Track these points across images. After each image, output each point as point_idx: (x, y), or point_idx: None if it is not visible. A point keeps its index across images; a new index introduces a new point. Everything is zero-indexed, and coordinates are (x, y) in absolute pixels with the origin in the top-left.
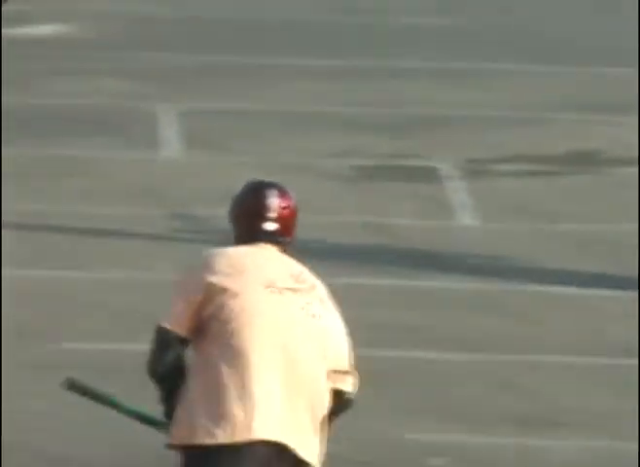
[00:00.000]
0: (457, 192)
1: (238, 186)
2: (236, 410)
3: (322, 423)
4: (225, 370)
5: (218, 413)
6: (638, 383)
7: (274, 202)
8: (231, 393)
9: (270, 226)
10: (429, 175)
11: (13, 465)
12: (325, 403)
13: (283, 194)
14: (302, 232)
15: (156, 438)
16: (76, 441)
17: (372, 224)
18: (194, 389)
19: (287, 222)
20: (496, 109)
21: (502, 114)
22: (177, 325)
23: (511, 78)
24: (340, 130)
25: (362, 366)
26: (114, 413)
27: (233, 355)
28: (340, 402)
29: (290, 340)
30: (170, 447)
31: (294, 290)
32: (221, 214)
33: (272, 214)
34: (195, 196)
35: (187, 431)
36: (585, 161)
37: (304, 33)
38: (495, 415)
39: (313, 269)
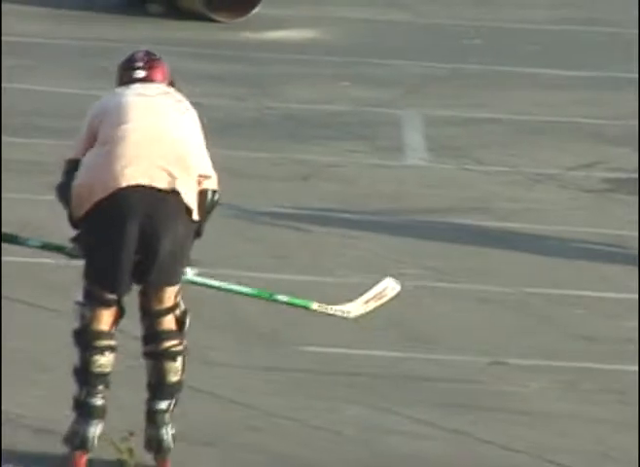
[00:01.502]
0: None
1: (487, 196)
2: (114, 168)
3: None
4: (104, 150)
5: (99, 177)
6: (638, 383)
7: (139, 55)
8: (110, 163)
9: (140, 73)
10: None
11: None
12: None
13: (149, 52)
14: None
15: None
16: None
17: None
18: (80, 174)
19: (154, 69)
20: None
21: None
22: (80, 154)
23: None
24: (589, 142)
25: None
26: None
27: (111, 140)
28: (207, 199)
29: (162, 120)
30: (72, 240)
31: (166, 94)
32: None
33: (139, 63)
34: (439, 204)
35: (78, 202)
36: None
37: (548, 43)
38: None
39: None
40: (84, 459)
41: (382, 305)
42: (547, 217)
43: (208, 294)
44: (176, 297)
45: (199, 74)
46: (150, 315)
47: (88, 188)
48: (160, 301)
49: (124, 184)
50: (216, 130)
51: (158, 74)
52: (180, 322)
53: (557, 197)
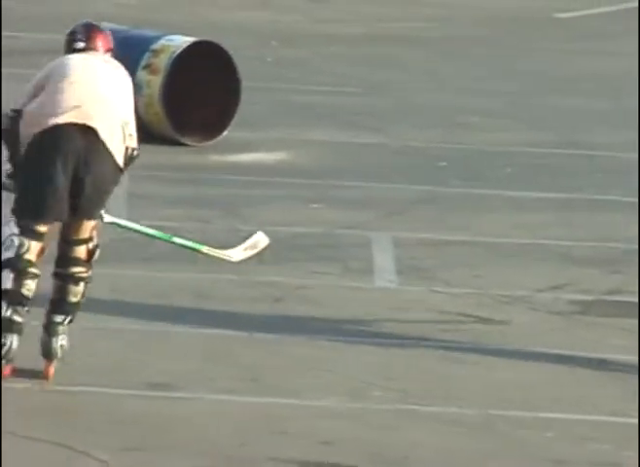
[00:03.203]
0: None
1: (456, 318)
2: (52, 109)
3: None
4: (45, 97)
5: (38, 117)
6: (638, 384)
7: (79, 27)
8: (47, 106)
9: (79, 44)
10: None
11: None
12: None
13: (89, 23)
14: None
15: None
16: None
17: (584, 358)
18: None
19: (94, 40)
20: None
21: None
22: (25, 105)
23: None
24: (558, 264)
25: None
26: None
27: (52, 90)
28: (130, 155)
29: (98, 78)
30: (9, 176)
31: (105, 61)
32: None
33: (79, 35)
34: (408, 326)
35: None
36: None
37: (522, 166)
38: None
39: None
40: (9, 369)
41: (257, 253)
42: (516, 339)
43: None
44: (92, 231)
45: (170, 197)
46: (66, 242)
47: (29, 126)
48: (77, 231)
49: (59, 121)
50: (187, 253)
51: (97, 44)
52: (90, 253)
53: (526, 319)
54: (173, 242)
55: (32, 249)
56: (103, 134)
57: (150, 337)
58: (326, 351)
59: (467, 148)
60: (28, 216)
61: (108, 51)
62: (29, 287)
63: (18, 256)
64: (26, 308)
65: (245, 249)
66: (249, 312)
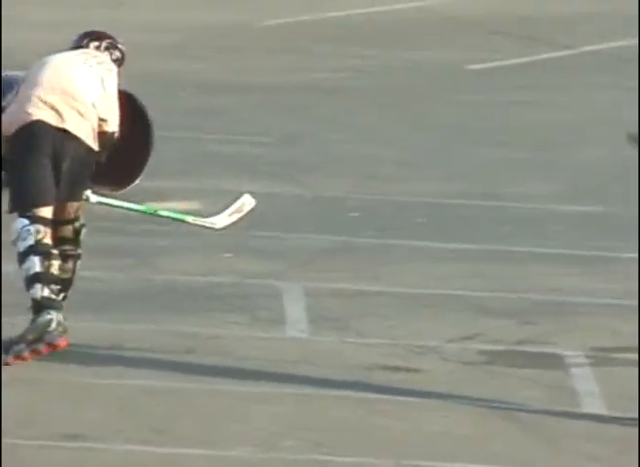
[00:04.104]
0: (584, 379)
1: (367, 368)
2: (20, 114)
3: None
4: (20, 94)
5: (14, 116)
6: (638, 383)
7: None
8: (25, 104)
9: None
10: (555, 362)
11: None
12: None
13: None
14: None
15: None
16: None
17: (494, 408)
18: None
19: (88, 38)
20: (624, 297)
21: (634, 303)
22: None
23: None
24: (469, 314)
25: None
26: None
27: (29, 85)
28: (106, 138)
29: (71, 72)
30: None
31: (94, 56)
32: None
33: (81, 34)
34: (319, 376)
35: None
36: None
37: (437, 216)
38: None
39: None
40: (65, 341)
41: (242, 217)
42: (427, 389)
43: None
44: (76, 211)
45: (83, 246)
46: (54, 223)
47: (7, 125)
48: (63, 213)
49: (32, 118)
50: (99, 303)
51: (92, 43)
52: (77, 232)
53: (437, 368)
54: (159, 215)
55: (47, 233)
56: (69, 126)
57: (63, 387)
58: (237, 401)
59: (381, 198)
60: (30, 204)
61: (107, 49)
62: (56, 267)
63: (38, 241)
64: (58, 286)
65: (230, 214)
66: (162, 362)
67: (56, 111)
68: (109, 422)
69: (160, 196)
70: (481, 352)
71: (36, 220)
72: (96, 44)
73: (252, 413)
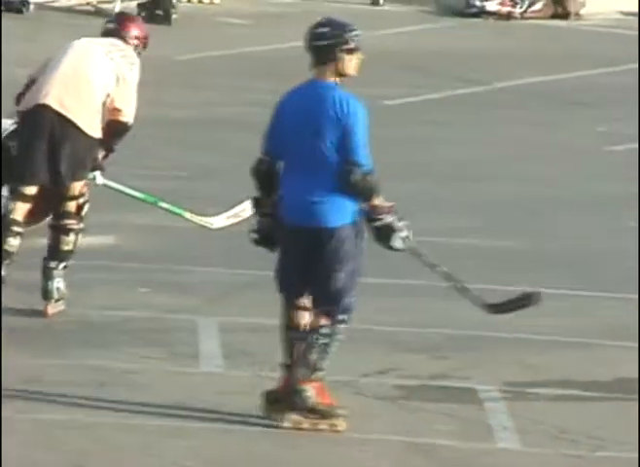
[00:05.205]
0: (498, 414)
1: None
2: (36, 93)
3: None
4: (39, 77)
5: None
6: (638, 385)
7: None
8: (39, 86)
9: (108, 25)
10: (469, 397)
11: None
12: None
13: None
14: None
15: None
16: None
17: (409, 443)
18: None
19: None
20: (533, 332)
21: (546, 338)
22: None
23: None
24: (384, 349)
25: None
26: None
27: (50, 67)
28: (120, 127)
29: (81, 59)
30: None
31: (111, 44)
32: None
33: (111, 19)
34: (233, 410)
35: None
36: (629, 388)
37: None
38: None
39: None
40: None
41: (239, 222)
42: (345, 421)
43: None
44: (81, 189)
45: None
46: (59, 199)
47: (24, 102)
48: (68, 190)
49: (38, 102)
50: (17, 336)
51: (122, 28)
52: (80, 208)
53: (352, 404)
54: (160, 206)
55: (17, 209)
56: (72, 114)
57: None
58: (151, 436)
59: None
60: (17, 180)
61: (135, 38)
62: (11, 243)
63: (6, 216)
64: (7, 261)
65: (228, 217)
66: (75, 397)
67: (63, 97)
68: (20, 456)
69: None
70: (396, 387)
71: (18, 196)
72: (124, 33)
73: (165, 448)
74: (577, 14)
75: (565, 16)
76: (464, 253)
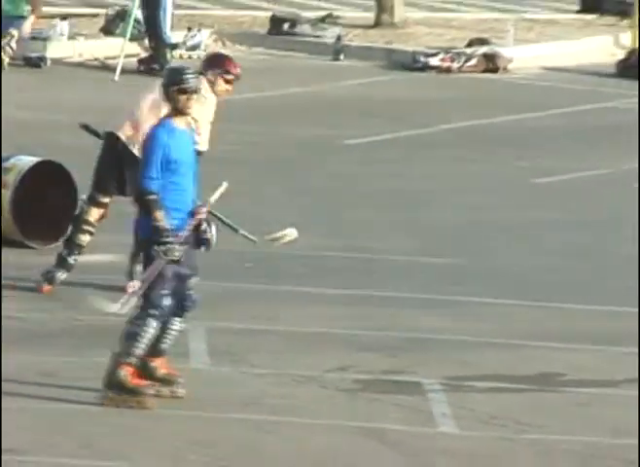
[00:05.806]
0: (439, 403)
1: (258, 394)
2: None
3: None
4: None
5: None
6: (638, 385)
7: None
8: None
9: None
10: (415, 389)
11: None
12: None
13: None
14: None
15: None
16: None
17: (365, 428)
18: None
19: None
20: (471, 335)
21: (481, 340)
22: None
23: (483, 309)
24: (344, 349)
25: None
26: None
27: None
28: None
29: (141, 101)
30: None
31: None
32: None
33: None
34: (216, 401)
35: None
36: (549, 381)
37: (314, 267)
38: None
39: None
40: (49, 289)
41: (280, 245)
42: (309, 413)
43: None
44: None
45: (12, 293)
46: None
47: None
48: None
49: (116, 132)
50: (36, 339)
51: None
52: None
53: (317, 395)
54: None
55: (90, 212)
56: (128, 143)
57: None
58: (149, 421)
59: (271, 252)
60: (94, 189)
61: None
62: (81, 239)
63: (80, 216)
64: (77, 252)
65: (272, 239)
66: (86, 390)
67: (131, 134)
68: (39, 439)
69: (89, 248)
70: (355, 381)
71: (92, 201)
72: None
73: (159, 430)
74: (505, 68)
75: (495, 70)
76: (414, 269)
